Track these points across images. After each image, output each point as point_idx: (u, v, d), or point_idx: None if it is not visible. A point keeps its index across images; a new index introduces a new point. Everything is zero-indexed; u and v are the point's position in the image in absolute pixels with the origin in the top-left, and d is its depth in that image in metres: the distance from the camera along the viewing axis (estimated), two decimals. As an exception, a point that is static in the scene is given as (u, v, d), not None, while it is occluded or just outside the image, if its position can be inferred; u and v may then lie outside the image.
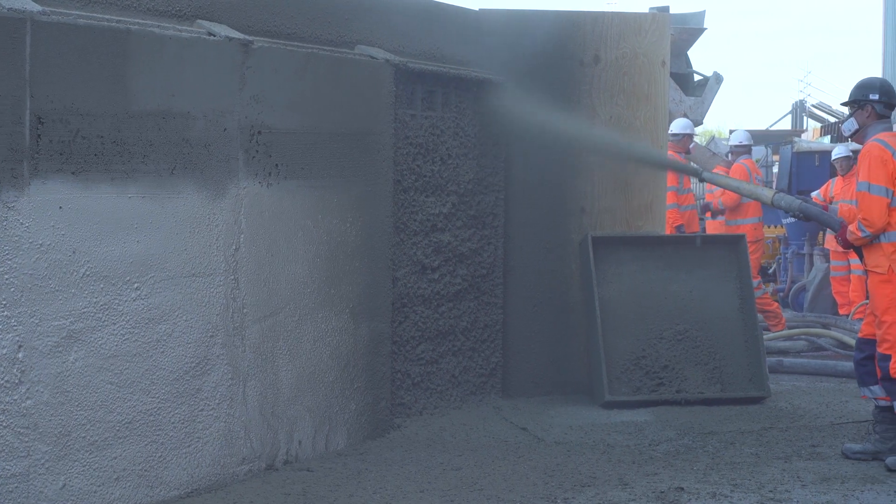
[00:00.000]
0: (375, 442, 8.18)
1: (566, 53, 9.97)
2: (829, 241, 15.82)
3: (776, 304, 14.46)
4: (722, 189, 13.48)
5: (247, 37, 7.07)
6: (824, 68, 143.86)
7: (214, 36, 6.86)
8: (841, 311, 15.13)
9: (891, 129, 8.07)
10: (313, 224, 7.66)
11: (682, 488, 7.11)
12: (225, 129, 6.91)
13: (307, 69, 7.58)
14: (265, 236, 7.25)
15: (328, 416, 7.82)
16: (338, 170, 7.86)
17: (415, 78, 8.74)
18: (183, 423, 6.69)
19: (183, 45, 6.65)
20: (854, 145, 14.70)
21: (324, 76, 7.73)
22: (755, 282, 11.93)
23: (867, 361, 8.04)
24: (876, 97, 8.02)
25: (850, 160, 15.58)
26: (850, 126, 8.17)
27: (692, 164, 15.61)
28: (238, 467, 7.08)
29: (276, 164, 7.31)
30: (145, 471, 6.47)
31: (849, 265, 15.07)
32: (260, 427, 7.24)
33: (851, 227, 7.90)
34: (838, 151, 16.17)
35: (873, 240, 7.81)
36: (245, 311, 7.10)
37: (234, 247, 7.01)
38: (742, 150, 15.34)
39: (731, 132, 38.38)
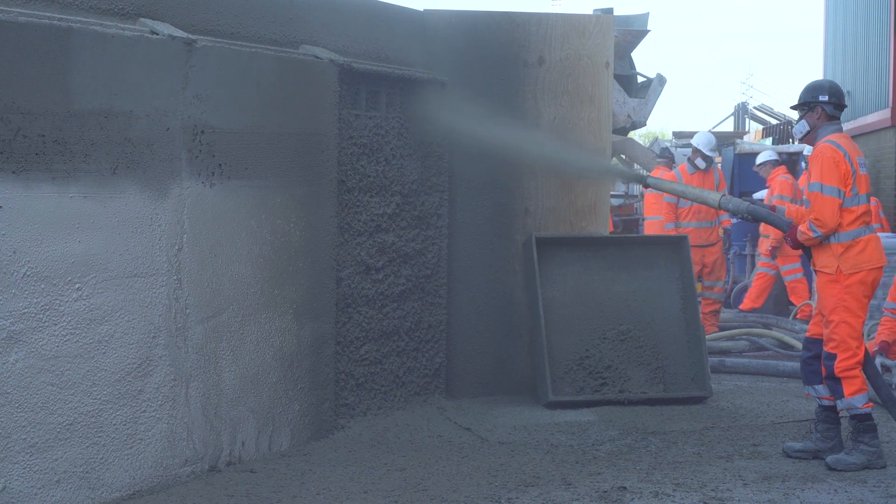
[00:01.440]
0: (319, 443, 8.16)
1: (511, 54, 9.99)
2: (762, 244, 15.88)
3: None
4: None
5: (190, 35, 7.03)
6: (766, 71, 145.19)
7: (157, 34, 6.82)
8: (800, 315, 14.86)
9: (841, 130, 8.14)
10: (257, 224, 7.63)
11: (625, 488, 7.15)
12: (168, 129, 6.87)
13: (251, 68, 7.55)
14: (208, 236, 7.22)
15: (272, 417, 7.79)
16: (282, 170, 7.83)
17: (359, 78, 8.72)
18: (125, 425, 6.64)
19: (125, 44, 6.60)
20: (805, 146, 14.89)
21: (268, 76, 7.70)
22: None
23: (813, 360, 8.11)
24: (826, 99, 8.08)
25: (774, 164, 15.79)
26: (802, 128, 8.21)
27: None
28: (181, 469, 7.04)
29: (220, 164, 7.27)
30: (87, 473, 6.42)
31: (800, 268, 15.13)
32: (203, 428, 7.20)
33: (802, 228, 7.95)
34: (763, 157, 16.30)
35: (823, 240, 7.88)
36: (188, 311, 7.06)
37: (176, 247, 6.97)
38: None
39: (674, 133, 38.62)
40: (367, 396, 8.92)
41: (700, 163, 14.33)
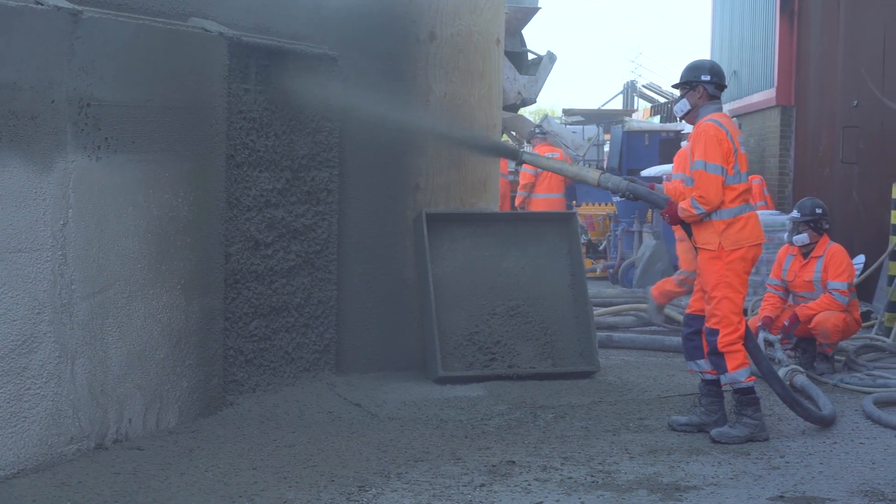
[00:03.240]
0: (208, 419, 8.10)
1: (402, 30, 9.97)
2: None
3: None
4: None
5: (76, 6, 6.90)
6: (655, 49, 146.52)
7: (42, 4, 6.69)
8: None
9: (721, 109, 8.25)
10: (144, 199, 7.53)
11: (514, 462, 7.21)
12: (53, 101, 6.75)
13: (139, 41, 7.44)
14: (94, 211, 7.11)
15: (159, 394, 7.72)
16: (170, 144, 7.74)
17: (249, 52, 8.64)
18: (8, 403, 6.53)
19: (9, 14, 6.46)
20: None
21: (156, 48, 7.59)
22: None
23: (694, 336, 8.24)
24: (708, 78, 8.18)
25: None
26: (683, 107, 8.30)
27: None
28: (66, 447, 6.94)
29: (106, 138, 7.16)
30: (-31, 451, 6.31)
31: None
32: (89, 406, 7.11)
33: (684, 205, 8.05)
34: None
35: (705, 217, 7.99)
36: (73, 287, 6.96)
37: (61, 222, 6.85)
38: None
39: (563, 111, 38.90)
40: (256, 372, 8.87)
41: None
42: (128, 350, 7.41)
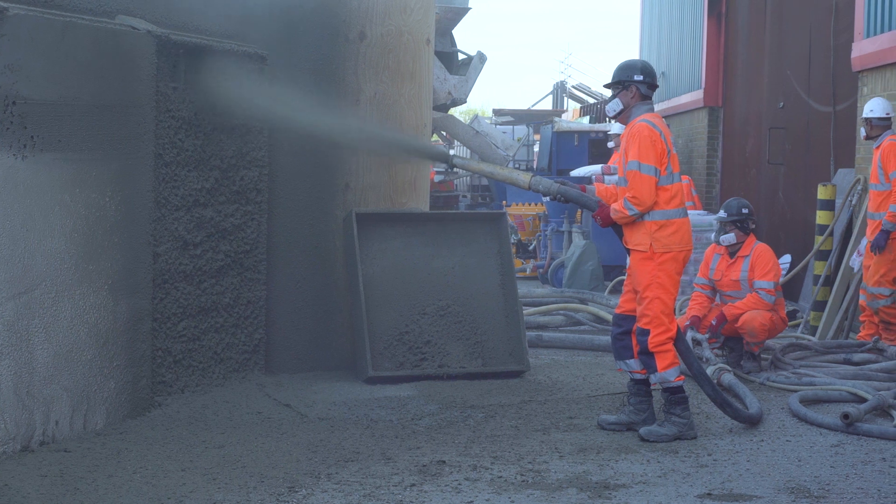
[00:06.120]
0: (136, 421, 8.03)
1: (332, 29, 9.95)
2: None
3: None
4: None
5: (1, 3, 6.82)
6: (584, 50, 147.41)
7: (-34, 2, 6.60)
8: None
9: (652, 109, 8.29)
10: (71, 198, 7.45)
11: (444, 461, 7.21)
12: (-23, 99, 6.66)
13: (65, 38, 7.36)
14: (20, 210, 7.02)
15: (86, 396, 7.64)
16: (97, 143, 7.66)
17: (178, 50, 8.58)
18: (-68, 404, 6.44)
19: (-69, 11, 6.37)
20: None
21: (83, 46, 7.52)
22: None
23: (624, 336, 8.28)
24: (640, 78, 8.20)
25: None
26: (616, 107, 8.31)
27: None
28: (-9, 449, 6.86)
29: (32, 136, 7.08)
30: None
31: None
32: (14, 408, 7.02)
33: (616, 206, 8.07)
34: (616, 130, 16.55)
35: (638, 218, 8.03)
36: (-2, 287, 6.87)
37: (-14, 221, 6.77)
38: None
39: (493, 111, 38.99)
40: (184, 373, 8.81)
41: None
42: (54, 351, 7.33)
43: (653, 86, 8.28)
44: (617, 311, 8.42)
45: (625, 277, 8.37)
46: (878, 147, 11.24)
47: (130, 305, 8.03)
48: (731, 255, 10.59)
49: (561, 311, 13.35)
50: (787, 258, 14.55)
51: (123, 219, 7.93)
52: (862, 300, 11.42)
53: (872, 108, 11.35)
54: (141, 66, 8.09)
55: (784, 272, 13.42)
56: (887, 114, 11.28)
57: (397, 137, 9.99)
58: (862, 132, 11.58)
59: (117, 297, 7.89)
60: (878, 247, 10.94)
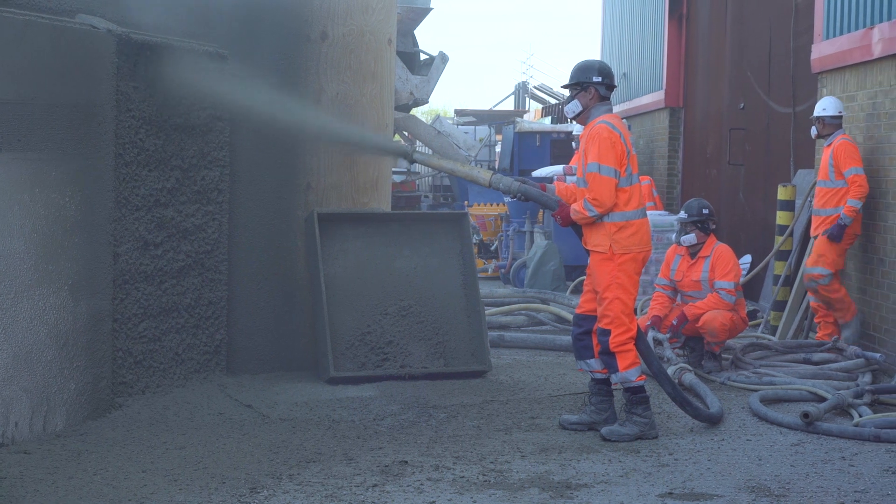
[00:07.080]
0: (96, 422, 7.99)
1: (294, 29, 9.92)
2: None
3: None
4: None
5: (-41, 2, 6.77)
6: (546, 51, 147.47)
7: (-77, 0, 6.55)
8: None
9: (611, 110, 8.31)
10: (30, 198, 7.40)
11: (406, 462, 7.21)
12: (-65, 98, 6.61)
13: (25, 37, 7.31)
14: (-21, 210, 6.97)
15: (46, 397, 7.59)
16: (57, 142, 7.61)
17: (138, 49, 8.53)
18: None
19: None
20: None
21: (42, 45, 7.47)
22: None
23: (584, 336, 8.30)
24: (599, 79, 8.21)
25: None
26: (575, 108, 8.32)
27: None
28: (-51, 451, 6.80)
29: (-9, 136, 7.03)
30: None
31: None
32: (-27, 408, 6.97)
33: (576, 207, 8.09)
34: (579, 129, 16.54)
35: (598, 220, 8.05)
36: (-43, 288, 6.82)
37: (-56, 221, 6.71)
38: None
39: (455, 111, 39.01)
40: (145, 374, 8.77)
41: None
42: (13, 352, 7.28)
43: (611, 87, 8.30)
44: (577, 311, 8.43)
45: (586, 277, 8.38)
46: (829, 145, 11.35)
47: (90, 306, 7.99)
48: (692, 255, 10.64)
49: (523, 312, 13.37)
50: (747, 258, 14.61)
51: (83, 219, 7.89)
52: (814, 302, 11.51)
53: (825, 106, 11.45)
54: (101, 66, 8.04)
55: (744, 272, 13.49)
56: (839, 112, 11.38)
57: (356, 132, 9.96)
58: (813, 131, 11.67)
59: (77, 297, 7.85)
60: (833, 239, 11.04)
